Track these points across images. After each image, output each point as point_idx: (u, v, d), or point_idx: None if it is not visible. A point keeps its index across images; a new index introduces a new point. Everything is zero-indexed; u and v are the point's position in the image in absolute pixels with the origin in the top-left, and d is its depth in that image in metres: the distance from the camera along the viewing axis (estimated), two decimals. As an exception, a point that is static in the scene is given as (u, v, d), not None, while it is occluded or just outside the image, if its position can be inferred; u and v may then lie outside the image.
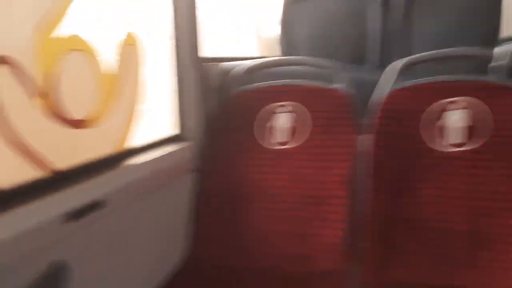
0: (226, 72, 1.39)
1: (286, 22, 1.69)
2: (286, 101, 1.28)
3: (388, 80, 1.21)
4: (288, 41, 1.71)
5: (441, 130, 1.14)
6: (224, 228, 1.26)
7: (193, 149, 1.27)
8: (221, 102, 1.37)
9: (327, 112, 1.25)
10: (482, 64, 1.18)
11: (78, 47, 0.90)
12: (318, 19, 1.67)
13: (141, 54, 1.10)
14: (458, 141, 1.12)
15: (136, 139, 1.11)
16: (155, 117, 1.22)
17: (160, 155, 1.13)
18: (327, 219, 1.19)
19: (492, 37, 1.38)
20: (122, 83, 1.03)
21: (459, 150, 1.12)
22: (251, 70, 1.36)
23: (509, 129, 1.09)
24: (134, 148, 1.10)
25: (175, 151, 1.19)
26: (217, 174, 1.30)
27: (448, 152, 1.13)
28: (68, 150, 0.90)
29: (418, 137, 1.16)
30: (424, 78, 1.19)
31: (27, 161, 0.79)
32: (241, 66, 1.37)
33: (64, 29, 0.86)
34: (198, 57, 1.29)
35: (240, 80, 1.35)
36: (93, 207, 0.86)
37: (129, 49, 1.06)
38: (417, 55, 1.24)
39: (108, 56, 0.99)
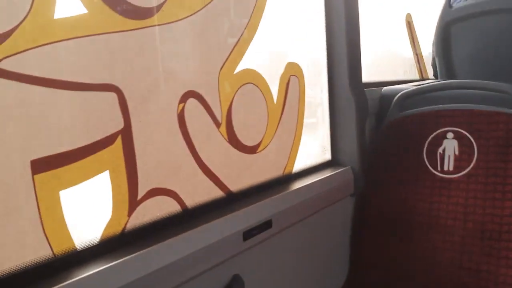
0: (387, 96, 1.38)
1: (443, 43, 1.60)
2: (455, 126, 1.21)
3: None
4: (444, 62, 1.62)
5: None
6: (385, 254, 1.24)
7: (352, 173, 1.27)
8: (382, 126, 1.36)
9: (505, 139, 1.15)
10: None
11: (251, 80, 0.99)
12: (485, 37, 1.54)
13: (303, 83, 1.15)
14: None
15: (297, 163, 1.16)
16: (315, 141, 1.26)
17: (319, 178, 1.16)
18: (509, 257, 1.08)
19: None
20: (286, 111, 1.09)
21: None
22: (414, 95, 1.32)
23: None
24: (296, 172, 1.15)
25: (333, 175, 1.21)
26: (378, 198, 1.29)
27: None
28: (241, 173, 0.99)
29: None
30: None
31: (211, 182, 0.90)
32: (403, 90, 1.34)
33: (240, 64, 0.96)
34: (359, 82, 1.30)
35: (402, 104, 1.32)
36: (263, 226, 0.93)
37: (293, 79, 1.12)
38: None
39: (275, 86, 1.06)
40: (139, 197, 0.75)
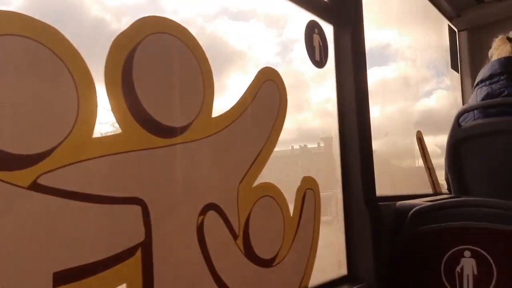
0: (402, 211, 1.39)
1: (454, 159, 1.65)
2: (471, 244, 1.20)
3: None
4: (457, 178, 1.65)
5: None
6: None
7: (367, 291, 1.23)
8: (397, 242, 1.34)
9: None
10: None
11: (269, 193, 1.02)
12: (494, 156, 1.59)
13: (318, 197, 1.18)
14: None
15: (311, 279, 1.14)
16: (329, 257, 1.25)
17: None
18: None
19: None
20: (302, 224, 1.10)
21: None
22: (427, 211, 1.32)
23: None
24: (312, 287, 1.12)
25: (349, 293, 1.18)
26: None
27: None
28: (256, 288, 0.97)
29: None
30: None
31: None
32: (417, 205, 1.35)
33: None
34: (374, 197, 1.32)
35: (416, 220, 1.32)
36: None
37: (309, 192, 1.15)
38: None
39: (290, 198, 1.09)
40: (153, 312, 0.74)
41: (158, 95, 0.79)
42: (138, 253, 0.73)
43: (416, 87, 2.41)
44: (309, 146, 1.43)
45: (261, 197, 1.00)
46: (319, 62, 1.25)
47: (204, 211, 0.86)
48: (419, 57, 2.39)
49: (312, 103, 1.38)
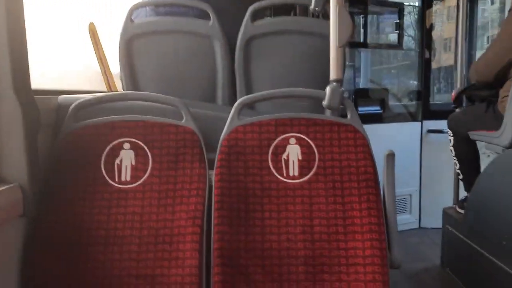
0: (65, 107, 1.29)
1: (127, 57, 1.64)
2: (131, 137, 1.24)
3: (233, 117, 1.26)
4: (130, 76, 1.67)
5: (279, 163, 1.23)
6: (64, 276, 1.14)
7: (21, 192, 1.12)
8: (57, 139, 1.25)
9: (175, 148, 1.25)
10: (317, 102, 1.31)
11: None
12: (163, 56, 1.66)
13: None
14: (294, 172, 1.22)
15: None
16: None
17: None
18: (178, 257, 1.16)
19: (324, 78, 1.54)
20: None
21: (295, 182, 1.22)
22: (91, 104, 1.28)
23: (334, 160, 1.23)
24: None
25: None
26: (53, 217, 1.19)
27: (286, 183, 1.22)
28: None
29: (257, 170, 1.22)
30: (266, 115, 1.27)
31: None
32: (80, 100, 1.27)
33: None
34: (28, 89, 1.16)
35: (80, 115, 1.26)
36: None
37: None
38: (256, 93, 1.33)
39: None
40: None
41: None
42: None
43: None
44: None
45: None
46: None
47: None
48: None
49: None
